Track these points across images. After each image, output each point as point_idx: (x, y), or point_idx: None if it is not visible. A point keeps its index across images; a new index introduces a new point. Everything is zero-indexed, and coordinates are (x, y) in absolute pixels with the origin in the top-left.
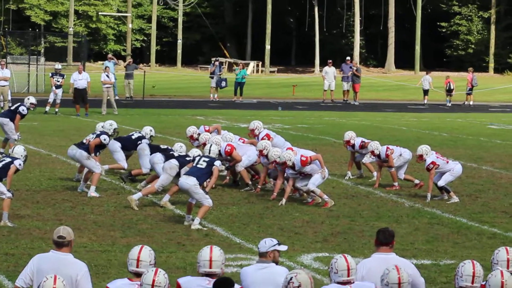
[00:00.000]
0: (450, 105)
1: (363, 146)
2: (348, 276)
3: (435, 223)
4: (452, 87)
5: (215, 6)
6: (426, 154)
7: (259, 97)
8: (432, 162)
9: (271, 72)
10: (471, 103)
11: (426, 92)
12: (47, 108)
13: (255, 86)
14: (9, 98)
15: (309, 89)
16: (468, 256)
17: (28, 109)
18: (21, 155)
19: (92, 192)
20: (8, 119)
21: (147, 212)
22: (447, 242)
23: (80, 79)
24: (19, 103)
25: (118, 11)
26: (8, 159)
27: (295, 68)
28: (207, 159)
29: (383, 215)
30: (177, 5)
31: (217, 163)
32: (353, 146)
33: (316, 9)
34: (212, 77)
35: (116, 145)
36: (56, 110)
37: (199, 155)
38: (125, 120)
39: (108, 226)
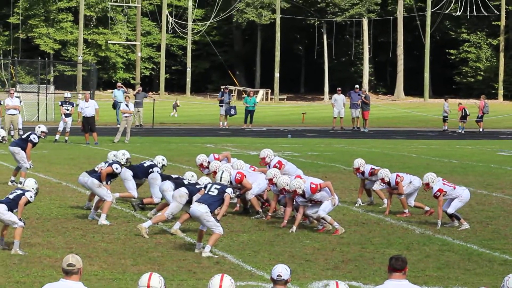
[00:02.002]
0: (463, 132)
1: (372, 173)
2: None
3: (446, 250)
4: (467, 113)
5: (224, 34)
6: (432, 182)
7: (269, 124)
8: (439, 190)
9: (280, 99)
10: (481, 130)
11: (445, 118)
12: (57, 137)
13: (265, 114)
14: (20, 126)
15: (319, 117)
16: (479, 283)
17: (39, 137)
18: (32, 188)
19: (103, 220)
20: (19, 148)
21: (157, 240)
22: (458, 269)
23: (87, 107)
24: (30, 132)
25: (127, 39)
26: (20, 191)
27: (304, 95)
28: (218, 187)
29: (393, 242)
30: (186, 34)
31: (229, 190)
32: (362, 173)
33: (325, 37)
34: (221, 105)
35: (127, 174)
36: (66, 138)
37: (210, 182)
38: (134, 148)
39: (119, 254)
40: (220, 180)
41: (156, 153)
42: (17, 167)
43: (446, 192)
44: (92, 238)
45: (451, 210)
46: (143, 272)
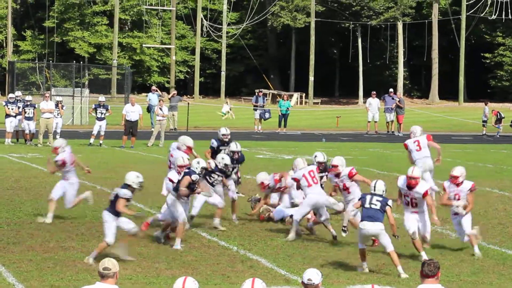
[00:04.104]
0: (498, 136)
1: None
2: None
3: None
4: (502, 116)
5: (259, 38)
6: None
7: (303, 128)
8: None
9: (314, 103)
10: None
11: (485, 122)
12: (92, 140)
13: (299, 118)
14: (58, 131)
15: (353, 121)
16: None
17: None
18: (133, 182)
19: (178, 246)
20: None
21: (191, 244)
22: (492, 274)
23: (132, 111)
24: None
25: (162, 43)
26: (115, 192)
27: (338, 99)
28: (380, 199)
29: (427, 247)
30: (221, 37)
31: (390, 202)
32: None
33: (359, 40)
34: (255, 109)
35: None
36: (101, 142)
37: (370, 194)
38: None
39: (153, 258)
40: (374, 190)
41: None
42: None
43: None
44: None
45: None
46: (177, 276)
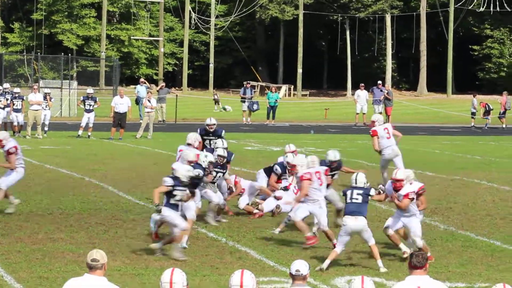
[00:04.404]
0: (487, 128)
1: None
2: None
3: (469, 246)
4: (491, 108)
5: (247, 30)
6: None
7: (292, 120)
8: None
9: (303, 95)
10: (504, 126)
11: (473, 114)
12: (80, 132)
13: (288, 110)
14: (47, 122)
15: (341, 113)
16: (502, 279)
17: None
18: (183, 175)
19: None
20: None
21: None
22: (481, 265)
23: (121, 103)
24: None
25: (150, 35)
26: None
27: (327, 91)
28: (361, 191)
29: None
30: (209, 30)
31: (372, 191)
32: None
33: (347, 32)
34: (243, 101)
35: None
36: (89, 134)
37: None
38: (157, 144)
39: (142, 249)
40: (356, 183)
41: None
42: None
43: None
44: (115, 233)
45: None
46: (166, 268)
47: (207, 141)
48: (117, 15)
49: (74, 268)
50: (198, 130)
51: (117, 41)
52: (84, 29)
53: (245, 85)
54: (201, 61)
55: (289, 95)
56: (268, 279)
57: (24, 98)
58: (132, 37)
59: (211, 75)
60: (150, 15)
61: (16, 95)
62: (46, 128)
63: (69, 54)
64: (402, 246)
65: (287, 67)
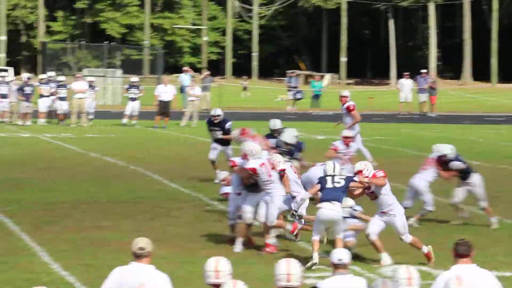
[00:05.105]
0: None
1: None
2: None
3: None
4: None
5: (290, 18)
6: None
7: (335, 109)
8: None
9: (347, 84)
10: None
11: None
12: (124, 120)
13: (331, 98)
14: (92, 111)
15: (385, 102)
16: None
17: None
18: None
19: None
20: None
21: (225, 224)
22: None
23: (165, 91)
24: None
25: (193, 24)
26: None
27: (370, 80)
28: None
29: (463, 227)
30: (252, 18)
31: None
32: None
33: (391, 21)
34: (289, 90)
35: None
36: (133, 122)
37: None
38: (201, 132)
39: (188, 237)
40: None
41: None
42: None
43: None
44: (160, 221)
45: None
46: (212, 256)
47: (213, 132)
48: (160, 4)
49: (120, 256)
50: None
51: (160, 29)
52: (128, 17)
53: (290, 74)
54: (245, 50)
55: (333, 84)
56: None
57: (68, 86)
58: (175, 26)
59: (255, 63)
60: (193, 3)
61: (61, 83)
62: (90, 117)
63: (113, 43)
64: (384, 255)
65: (331, 56)
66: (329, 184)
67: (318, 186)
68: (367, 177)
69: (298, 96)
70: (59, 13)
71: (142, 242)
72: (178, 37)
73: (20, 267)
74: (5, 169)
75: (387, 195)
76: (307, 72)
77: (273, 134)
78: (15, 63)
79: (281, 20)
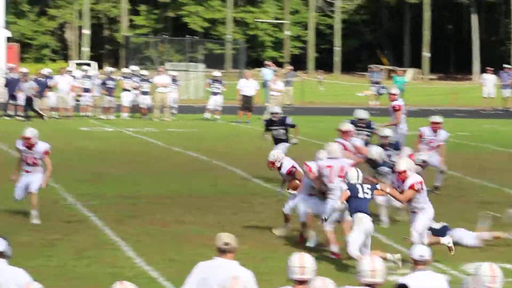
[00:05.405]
0: None
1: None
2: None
3: None
4: None
5: (373, 13)
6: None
7: (418, 104)
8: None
9: (431, 79)
10: None
11: None
12: (207, 115)
13: (415, 93)
14: (175, 105)
15: (468, 97)
16: None
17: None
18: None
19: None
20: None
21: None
22: None
23: (247, 86)
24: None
25: (276, 18)
26: None
27: (453, 75)
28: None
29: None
30: (334, 12)
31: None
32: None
33: (475, 16)
34: (372, 85)
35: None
36: (216, 116)
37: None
38: None
39: (270, 233)
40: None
41: (307, 131)
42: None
43: None
44: (243, 216)
45: None
46: (294, 252)
47: (274, 131)
48: None
49: (204, 251)
50: (264, 121)
51: (243, 24)
52: (210, 11)
53: (373, 69)
54: (327, 44)
55: (416, 79)
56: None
57: (151, 80)
58: (257, 20)
59: (337, 58)
60: None
61: (144, 77)
62: (173, 111)
63: (195, 37)
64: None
65: (414, 50)
66: (361, 194)
67: (348, 193)
68: (388, 189)
69: (382, 91)
70: (142, 7)
71: (227, 237)
72: (261, 32)
73: (103, 261)
74: (89, 163)
75: (420, 198)
76: (390, 67)
77: (357, 124)
78: (98, 57)
79: (363, 15)
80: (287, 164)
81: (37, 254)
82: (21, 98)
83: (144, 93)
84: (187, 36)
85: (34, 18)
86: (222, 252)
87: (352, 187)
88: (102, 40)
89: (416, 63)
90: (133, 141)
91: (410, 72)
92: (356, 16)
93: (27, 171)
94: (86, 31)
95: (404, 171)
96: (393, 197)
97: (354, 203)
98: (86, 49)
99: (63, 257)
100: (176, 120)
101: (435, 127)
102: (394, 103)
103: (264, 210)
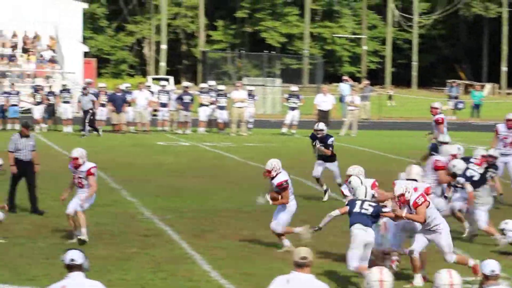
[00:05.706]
0: None
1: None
2: None
3: None
4: None
5: (450, 27)
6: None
7: (496, 119)
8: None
9: (507, 94)
10: None
11: None
12: (284, 129)
13: (492, 108)
14: (252, 120)
15: None
16: None
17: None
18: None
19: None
20: None
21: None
22: None
23: (324, 101)
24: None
25: (353, 33)
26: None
27: None
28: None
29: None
30: (411, 27)
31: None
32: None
33: None
34: (448, 99)
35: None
36: (293, 131)
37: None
38: (361, 142)
39: (344, 247)
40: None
41: (384, 146)
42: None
43: None
44: (320, 231)
45: None
46: (373, 268)
47: (315, 148)
48: (319, 13)
49: (279, 265)
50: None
51: (320, 39)
52: (287, 27)
53: (450, 84)
54: (404, 59)
55: (494, 93)
56: (473, 279)
57: (228, 95)
58: (334, 35)
59: (414, 73)
60: (353, 12)
61: (221, 92)
62: (250, 126)
63: (272, 52)
64: (417, 276)
65: (492, 65)
66: (356, 208)
67: (347, 208)
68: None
69: (460, 106)
70: (220, 23)
71: (304, 252)
72: (338, 46)
73: (179, 274)
74: (166, 177)
75: (430, 212)
76: (467, 82)
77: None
78: (175, 72)
79: (441, 29)
80: (282, 177)
81: (114, 267)
82: (100, 113)
83: (221, 107)
84: (264, 51)
85: (112, 34)
86: (299, 266)
87: (350, 202)
88: (180, 55)
89: (494, 77)
90: (209, 155)
91: (488, 87)
92: (433, 30)
93: (78, 192)
94: (164, 46)
95: (402, 195)
96: (411, 220)
97: (351, 217)
98: (163, 64)
99: (139, 271)
100: (253, 134)
101: (510, 124)
102: (437, 117)
103: (340, 225)
